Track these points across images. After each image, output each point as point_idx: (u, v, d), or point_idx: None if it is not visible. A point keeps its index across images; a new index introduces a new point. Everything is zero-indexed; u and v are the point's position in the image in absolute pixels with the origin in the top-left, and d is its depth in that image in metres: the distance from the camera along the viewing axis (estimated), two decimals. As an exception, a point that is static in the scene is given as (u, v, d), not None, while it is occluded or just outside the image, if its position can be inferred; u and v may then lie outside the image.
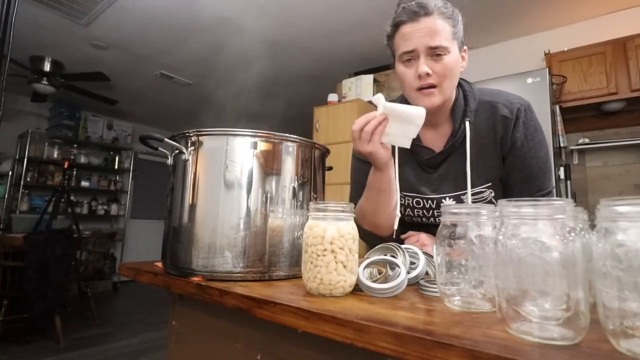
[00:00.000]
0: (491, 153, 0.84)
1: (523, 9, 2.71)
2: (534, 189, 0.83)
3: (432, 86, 0.79)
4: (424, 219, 0.90)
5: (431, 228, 0.88)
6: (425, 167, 0.91)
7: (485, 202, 0.83)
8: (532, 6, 2.68)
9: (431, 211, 0.87)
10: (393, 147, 0.91)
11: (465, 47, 0.85)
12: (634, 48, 2.42)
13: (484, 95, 0.87)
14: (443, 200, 0.86)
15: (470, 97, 0.86)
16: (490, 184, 0.83)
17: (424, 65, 0.78)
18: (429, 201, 0.88)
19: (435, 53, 0.78)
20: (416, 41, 0.77)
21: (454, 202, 0.85)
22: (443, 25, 0.77)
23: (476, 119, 0.85)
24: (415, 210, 0.90)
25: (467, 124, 0.83)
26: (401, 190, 0.89)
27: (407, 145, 0.76)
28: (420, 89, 0.80)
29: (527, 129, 0.82)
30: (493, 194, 0.83)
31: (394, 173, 0.84)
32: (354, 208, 0.91)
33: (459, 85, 0.88)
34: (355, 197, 0.98)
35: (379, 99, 0.74)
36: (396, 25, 0.82)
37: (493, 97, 0.86)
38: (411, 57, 0.80)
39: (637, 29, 2.50)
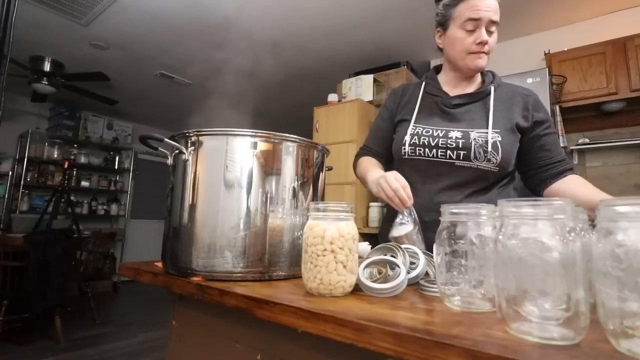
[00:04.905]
0: (504, 112, 1.01)
1: (523, 9, 2.70)
2: (560, 152, 1.03)
3: (485, 53, 1.00)
4: (426, 149, 1.01)
5: (428, 166, 1.02)
6: (443, 106, 1.06)
7: (488, 141, 0.95)
8: (532, 6, 2.68)
9: (437, 139, 1.00)
10: (415, 95, 1.12)
11: None
12: (634, 48, 2.42)
13: (504, 82, 1.11)
14: (451, 131, 0.99)
15: (496, 77, 1.10)
16: (499, 130, 0.97)
17: (486, 35, 0.97)
18: (437, 131, 1.01)
19: (490, 29, 0.98)
20: (484, 14, 0.95)
21: (461, 134, 0.98)
22: (498, 8, 0.97)
23: (498, 90, 1.05)
24: (422, 138, 1.02)
25: (492, 87, 1.04)
26: (415, 122, 1.06)
27: None
28: (475, 52, 0.99)
29: (543, 107, 1.04)
30: (499, 138, 0.96)
31: None
32: (360, 154, 1.23)
33: (490, 71, 1.11)
34: (367, 140, 1.22)
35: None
36: None
37: (511, 84, 1.10)
38: (474, 26, 0.97)
39: (637, 29, 2.50)
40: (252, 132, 0.73)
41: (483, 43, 0.97)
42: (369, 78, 3.18)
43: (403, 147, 1.03)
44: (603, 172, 2.71)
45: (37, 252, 2.61)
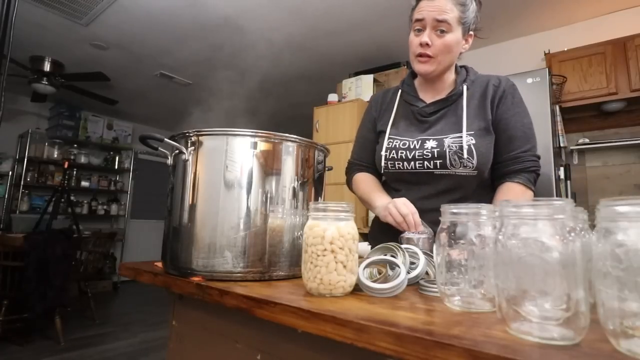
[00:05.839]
0: (478, 110, 1.00)
1: (523, 9, 2.71)
2: (515, 148, 0.98)
3: (429, 56, 0.97)
4: (405, 162, 1.01)
5: (409, 177, 1.02)
6: (419, 116, 1.05)
7: (463, 147, 0.94)
8: (532, 6, 2.68)
9: (413, 152, 1.00)
10: (392, 103, 1.13)
11: (471, 33, 1.02)
12: (634, 48, 2.42)
13: (481, 74, 1.08)
14: (427, 141, 0.99)
15: (471, 72, 1.07)
16: (473, 132, 0.96)
17: (426, 36, 0.96)
18: (414, 142, 1.01)
19: (440, 28, 0.94)
20: (426, 14, 0.95)
21: (436, 143, 0.97)
22: (452, 9, 0.94)
23: (472, 87, 1.03)
24: (400, 152, 1.02)
25: (465, 87, 1.02)
26: (391, 134, 1.06)
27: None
28: (419, 55, 0.98)
29: (514, 98, 1.00)
30: (473, 142, 0.95)
31: None
32: (351, 163, 1.22)
33: (464, 67, 1.09)
34: (356, 152, 1.20)
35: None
36: (417, 0, 1.00)
37: (487, 75, 1.07)
38: (420, 26, 0.97)
39: (637, 29, 2.50)
40: (252, 132, 0.73)
41: (422, 44, 0.96)
42: (369, 78, 3.18)
43: (383, 162, 1.04)
44: (603, 172, 2.71)
45: (37, 252, 2.61)
